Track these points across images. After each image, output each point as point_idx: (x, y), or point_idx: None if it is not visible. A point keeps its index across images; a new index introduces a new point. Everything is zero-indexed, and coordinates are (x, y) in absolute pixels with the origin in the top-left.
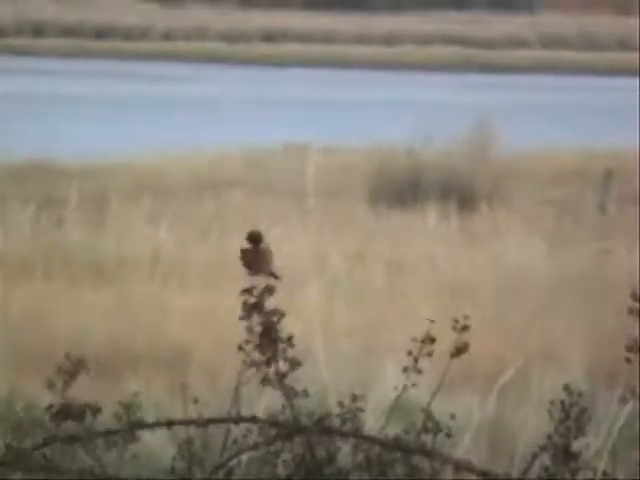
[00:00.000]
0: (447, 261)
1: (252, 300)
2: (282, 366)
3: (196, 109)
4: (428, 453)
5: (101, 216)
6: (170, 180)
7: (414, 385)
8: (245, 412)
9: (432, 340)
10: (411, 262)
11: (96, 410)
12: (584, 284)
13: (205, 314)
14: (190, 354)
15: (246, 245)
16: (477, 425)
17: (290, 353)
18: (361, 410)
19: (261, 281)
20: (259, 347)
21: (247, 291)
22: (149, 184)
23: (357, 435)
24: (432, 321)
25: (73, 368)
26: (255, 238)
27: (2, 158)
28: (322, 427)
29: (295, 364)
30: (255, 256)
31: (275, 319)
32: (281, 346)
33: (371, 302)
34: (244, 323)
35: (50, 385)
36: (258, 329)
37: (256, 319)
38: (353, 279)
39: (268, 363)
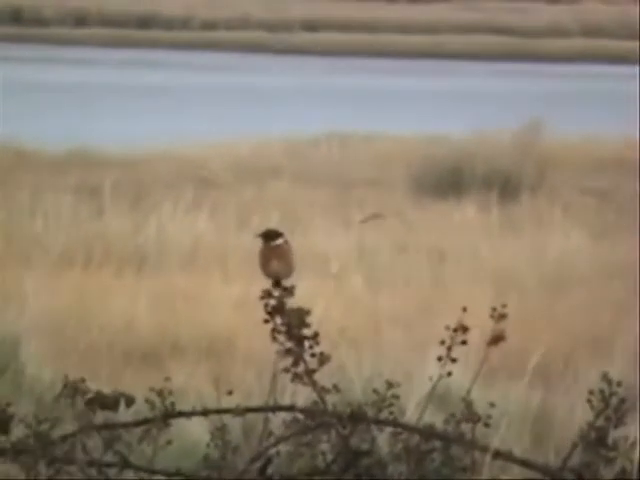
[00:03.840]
0: (489, 251)
1: (272, 302)
2: (310, 362)
3: (237, 98)
4: (467, 442)
5: (142, 205)
6: (210, 169)
7: (449, 374)
8: (285, 401)
9: (465, 329)
10: (453, 252)
11: (130, 400)
12: (625, 274)
13: (246, 303)
14: (233, 343)
15: (266, 243)
16: (519, 415)
17: (317, 349)
18: (396, 397)
19: (288, 279)
20: (286, 347)
21: (267, 293)
22: (189, 173)
23: (395, 424)
24: (465, 309)
25: None
26: (269, 236)
27: (43, 148)
28: (360, 416)
29: (324, 360)
30: (269, 255)
31: (298, 318)
32: (307, 343)
33: (413, 292)
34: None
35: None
36: (282, 329)
37: (279, 320)
38: (394, 269)
39: (296, 362)
